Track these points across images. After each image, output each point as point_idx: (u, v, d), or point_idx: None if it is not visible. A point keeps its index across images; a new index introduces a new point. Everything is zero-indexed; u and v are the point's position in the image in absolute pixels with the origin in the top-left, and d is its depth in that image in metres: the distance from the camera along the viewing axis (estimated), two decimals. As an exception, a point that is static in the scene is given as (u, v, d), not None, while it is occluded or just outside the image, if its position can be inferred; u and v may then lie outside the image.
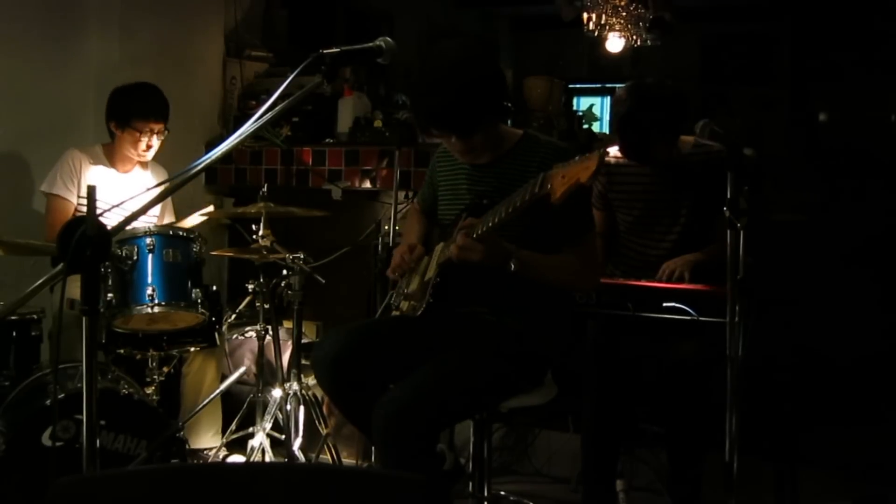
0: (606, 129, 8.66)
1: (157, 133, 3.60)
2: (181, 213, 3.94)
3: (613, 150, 3.21)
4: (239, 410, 3.49)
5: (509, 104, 2.44)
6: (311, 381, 3.42)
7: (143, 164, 3.76)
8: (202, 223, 3.73)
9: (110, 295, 3.07)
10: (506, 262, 2.28)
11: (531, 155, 2.43)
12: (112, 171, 3.67)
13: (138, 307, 3.09)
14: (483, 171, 2.51)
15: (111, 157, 3.67)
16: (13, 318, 3.05)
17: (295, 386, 3.41)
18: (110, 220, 1.77)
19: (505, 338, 2.47)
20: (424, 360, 2.43)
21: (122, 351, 3.25)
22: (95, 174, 3.61)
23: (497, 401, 2.60)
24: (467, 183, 2.55)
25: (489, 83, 2.34)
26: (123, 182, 3.68)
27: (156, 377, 3.26)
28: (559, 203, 2.03)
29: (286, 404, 3.38)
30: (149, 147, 3.61)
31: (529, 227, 2.32)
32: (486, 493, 2.83)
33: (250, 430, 3.39)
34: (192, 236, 3.28)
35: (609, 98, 9.30)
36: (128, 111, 3.56)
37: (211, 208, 3.82)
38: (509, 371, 2.48)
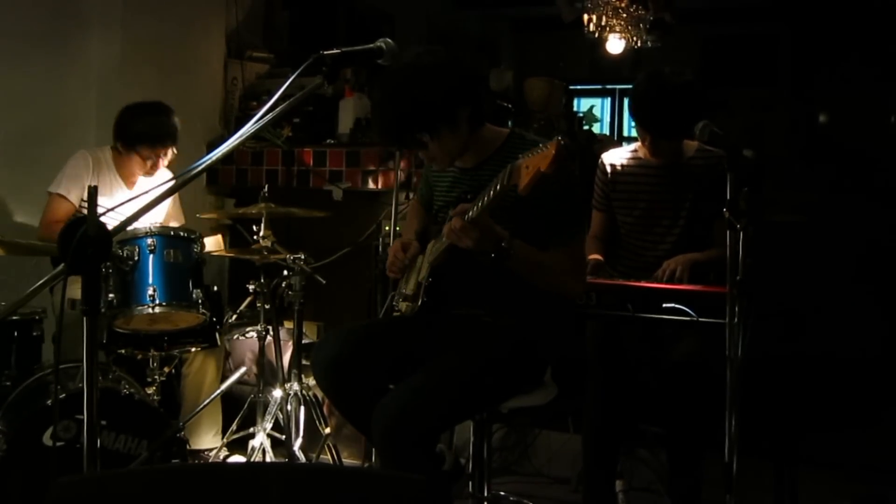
0: (607, 131, 8.69)
1: (164, 156, 3.59)
2: (186, 214, 3.94)
3: (614, 153, 3.22)
4: (239, 411, 3.50)
5: (474, 108, 2.39)
6: (312, 381, 3.42)
7: None
8: (203, 221, 3.72)
9: (111, 295, 3.08)
10: (497, 246, 2.25)
11: (514, 153, 2.42)
12: (119, 182, 3.65)
13: (139, 307, 3.10)
14: (468, 174, 2.51)
15: (119, 165, 3.66)
16: (14, 318, 3.05)
17: (295, 386, 3.41)
18: (112, 221, 1.78)
19: (504, 338, 2.47)
20: (423, 361, 2.43)
21: (123, 351, 3.26)
22: (103, 185, 3.59)
23: (497, 402, 2.61)
24: (455, 186, 2.56)
25: (429, 100, 2.31)
26: (128, 195, 3.66)
27: (157, 377, 3.27)
28: (526, 194, 2.01)
29: (287, 404, 3.38)
30: (154, 167, 3.60)
31: (519, 225, 2.31)
32: (485, 494, 2.83)
33: (251, 430, 3.40)
34: (193, 237, 3.28)
35: (610, 99, 9.31)
36: (135, 137, 3.53)
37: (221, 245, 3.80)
38: (509, 372, 2.48)
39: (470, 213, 2.23)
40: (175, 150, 3.61)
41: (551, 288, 2.43)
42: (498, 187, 2.12)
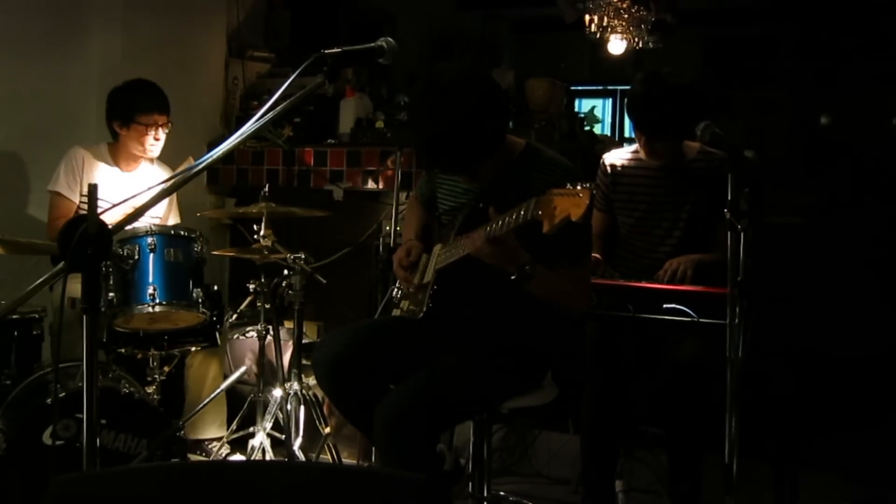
0: (608, 132, 8.69)
1: (162, 126, 3.60)
2: (186, 214, 3.95)
3: (615, 153, 3.22)
4: (240, 410, 3.50)
5: (507, 123, 2.39)
6: (312, 381, 3.42)
7: (149, 162, 3.76)
8: (203, 221, 3.72)
9: (111, 294, 3.08)
10: (520, 269, 2.22)
11: (532, 171, 2.40)
12: (116, 170, 3.67)
13: (139, 306, 3.10)
14: (483, 182, 2.49)
15: (116, 155, 3.68)
16: (14, 316, 3.05)
17: (295, 386, 3.41)
18: (112, 219, 1.77)
19: (505, 339, 2.47)
20: (424, 361, 2.43)
21: (123, 350, 3.25)
22: (100, 173, 3.62)
23: (497, 402, 2.60)
24: (466, 192, 2.54)
25: (488, 117, 2.29)
26: (128, 181, 3.68)
27: (157, 376, 3.28)
28: (550, 234, 1.97)
29: (287, 404, 3.38)
30: (156, 140, 3.62)
31: (529, 242, 2.29)
32: (485, 494, 2.83)
33: (251, 429, 3.40)
34: (193, 236, 3.29)
35: (611, 100, 9.31)
36: (131, 108, 3.55)
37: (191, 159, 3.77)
38: (509, 372, 2.48)
39: (492, 229, 2.19)
40: (170, 124, 3.62)
41: (556, 306, 2.42)
42: (522, 216, 2.06)
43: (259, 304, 3.45)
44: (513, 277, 2.23)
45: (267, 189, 3.40)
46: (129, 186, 3.66)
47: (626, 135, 8.95)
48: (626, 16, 5.25)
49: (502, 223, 2.16)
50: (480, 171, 2.44)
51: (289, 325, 3.71)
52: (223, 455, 3.54)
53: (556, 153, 2.51)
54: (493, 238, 2.18)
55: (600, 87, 9.24)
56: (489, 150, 2.34)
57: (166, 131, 3.63)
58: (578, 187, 1.93)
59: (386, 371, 2.54)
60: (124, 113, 3.57)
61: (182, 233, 3.28)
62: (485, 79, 2.36)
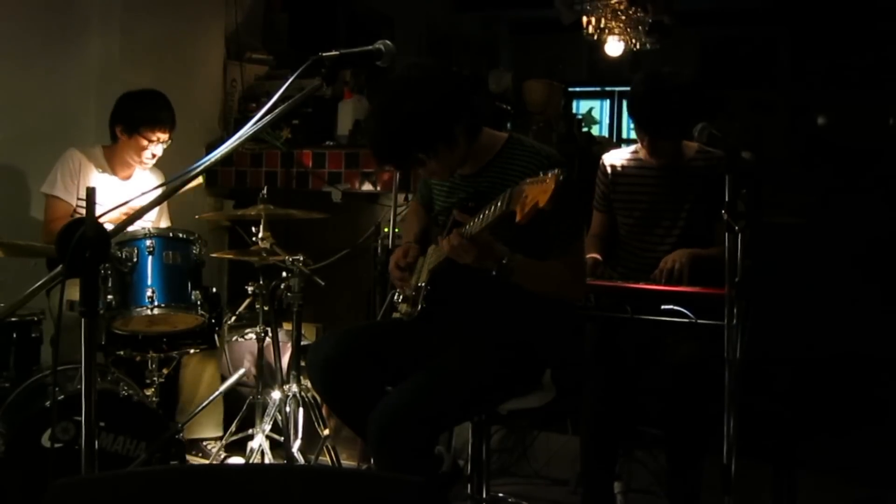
0: (606, 133, 8.69)
1: (163, 142, 3.60)
2: (178, 216, 3.95)
3: (615, 154, 3.22)
4: (238, 412, 3.50)
5: (466, 121, 2.38)
6: (311, 383, 3.42)
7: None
8: (202, 224, 3.72)
9: (110, 296, 3.08)
10: (498, 264, 2.25)
11: (513, 161, 2.42)
12: (113, 178, 3.67)
13: (138, 309, 3.10)
14: (467, 181, 2.51)
15: (111, 160, 3.68)
16: (13, 319, 3.05)
17: (294, 388, 3.41)
18: (110, 222, 1.78)
19: (502, 340, 2.47)
20: (420, 362, 2.43)
21: (121, 353, 3.26)
22: (95, 176, 3.62)
23: (495, 403, 2.60)
24: (454, 192, 2.55)
25: (423, 118, 2.29)
26: (123, 185, 3.68)
27: (155, 379, 3.27)
28: (524, 224, 2.00)
29: (285, 406, 3.38)
30: (153, 156, 3.62)
31: (517, 236, 2.29)
32: (484, 495, 2.83)
33: (249, 431, 3.40)
34: (191, 238, 3.29)
35: (608, 101, 9.31)
36: (139, 118, 3.55)
37: (200, 181, 3.78)
38: (507, 373, 2.48)
39: (467, 228, 2.23)
40: (171, 138, 3.62)
41: (551, 296, 2.43)
42: (496, 210, 2.11)
43: (258, 306, 3.45)
44: (493, 273, 2.24)
45: (265, 191, 3.40)
46: (124, 190, 3.66)
47: (624, 136, 8.97)
48: (623, 17, 5.25)
49: (479, 220, 2.19)
50: (464, 167, 2.47)
51: (287, 326, 3.71)
52: (222, 457, 3.54)
53: (538, 142, 2.53)
54: (468, 237, 2.22)
55: (598, 89, 9.24)
56: (433, 145, 2.34)
57: (165, 147, 3.63)
58: (548, 174, 1.96)
59: (381, 372, 2.53)
60: (130, 121, 3.57)
61: (180, 235, 3.28)
62: (423, 77, 2.36)
